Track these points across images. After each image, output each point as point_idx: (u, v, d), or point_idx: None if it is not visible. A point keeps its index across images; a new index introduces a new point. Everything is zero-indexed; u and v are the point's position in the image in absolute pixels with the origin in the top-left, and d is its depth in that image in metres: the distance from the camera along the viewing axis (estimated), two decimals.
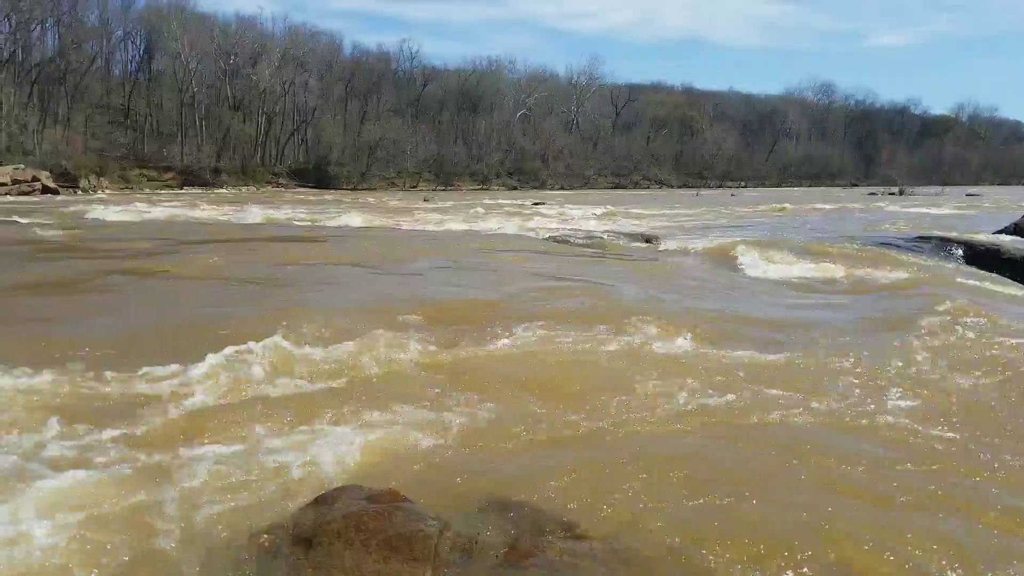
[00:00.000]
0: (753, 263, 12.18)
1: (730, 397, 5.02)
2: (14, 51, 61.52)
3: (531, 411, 4.78)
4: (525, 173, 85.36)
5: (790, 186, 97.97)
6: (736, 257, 12.64)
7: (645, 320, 7.14)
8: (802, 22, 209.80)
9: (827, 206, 38.60)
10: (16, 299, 8.70)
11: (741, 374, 5.58)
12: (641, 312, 7.51)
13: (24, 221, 21.42)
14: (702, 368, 5.72)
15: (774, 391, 5.19)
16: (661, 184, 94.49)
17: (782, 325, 7.53)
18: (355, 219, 24.06)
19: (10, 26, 61.07)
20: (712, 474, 3.84)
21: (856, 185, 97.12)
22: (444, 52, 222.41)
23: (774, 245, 13.80)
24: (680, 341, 6.58)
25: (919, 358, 6.04)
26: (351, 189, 67.50)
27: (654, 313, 7.52)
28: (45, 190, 44.88)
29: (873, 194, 62.46)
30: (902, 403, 4.97)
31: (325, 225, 22.20)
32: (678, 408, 4.86)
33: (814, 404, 4.94)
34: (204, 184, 62.21)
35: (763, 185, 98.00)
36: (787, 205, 38.93)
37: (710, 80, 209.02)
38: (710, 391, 5.14)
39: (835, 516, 3.37)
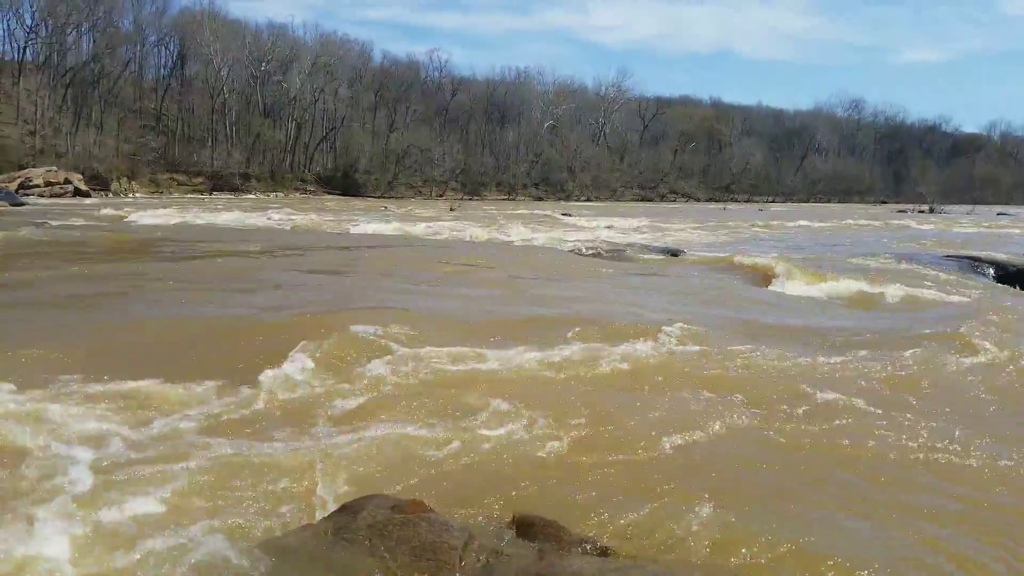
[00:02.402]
0: (782, 279, 12.08)
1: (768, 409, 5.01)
2: (49, 55, 62.79)
3: (560, 425, 4.79)
4: (551, 184, 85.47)
5: (818, 202, 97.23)
6: (765, 272, 12.55)
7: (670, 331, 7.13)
8: (832, 37, 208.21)
9: (859, 222, 38.26)
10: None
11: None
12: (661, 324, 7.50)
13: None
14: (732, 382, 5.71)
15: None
16: (688, 198, 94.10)
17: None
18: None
19: (46, 30, 62.40)
20: (745, 491, 3.84)
21: (885, 202, 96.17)
22: (473, 62, 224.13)
23: (806, 261, 13.70)
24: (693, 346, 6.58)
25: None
26: (378, 197, 67.92)
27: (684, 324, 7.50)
28: (77, 192, 45.66)
29: (903, 212, 61.65)
30: None
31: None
32: (708, 420, 4.85)
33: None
34: (233, 189, 62.96)
35: (791, 200, 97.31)
36: (817, 222, 38.65)
37: (739, 94, 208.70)
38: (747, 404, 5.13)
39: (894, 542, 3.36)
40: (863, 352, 6.91)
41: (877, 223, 39.37)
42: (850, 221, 39.93)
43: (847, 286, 11.67)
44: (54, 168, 47.40)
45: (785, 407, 5.23)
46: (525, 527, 3.44)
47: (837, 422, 4.96)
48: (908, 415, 5.13)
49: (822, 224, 37.39)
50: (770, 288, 11.91)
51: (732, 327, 8.12)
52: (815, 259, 14.64)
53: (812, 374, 6.17)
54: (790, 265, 13.20)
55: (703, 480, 3.97)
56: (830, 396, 5.51)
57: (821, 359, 6.63)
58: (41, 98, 58.45)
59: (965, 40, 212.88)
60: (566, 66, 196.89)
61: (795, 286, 11.92)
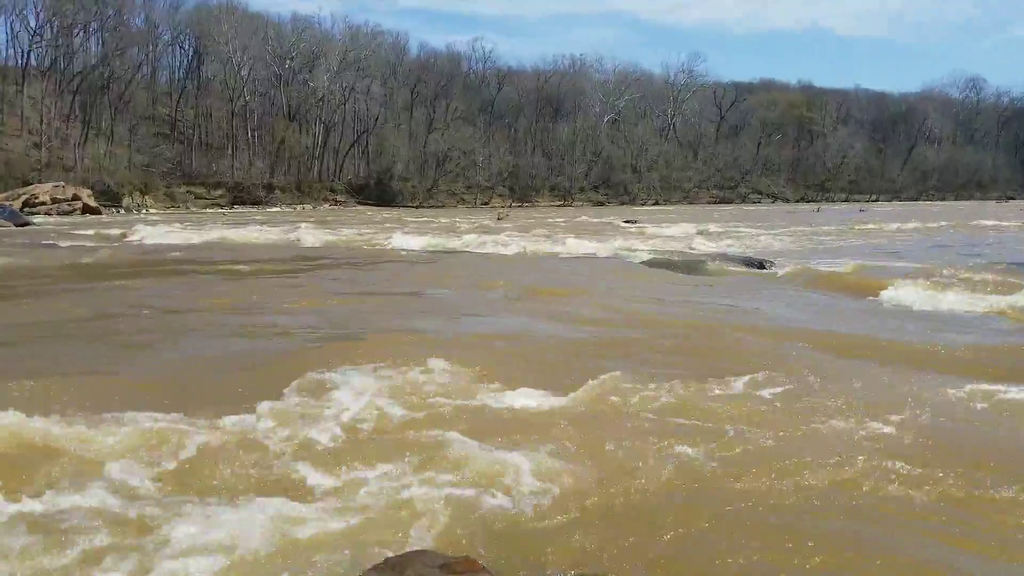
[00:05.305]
0: (898, 293, 11.79)
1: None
2: (55, 59, 65.32)
3: (628, 474, 4.73)
4: (613, 186, 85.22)
5: (930, 199, 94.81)
6: (875, 287, 12.26)
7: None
8: (935, 16, 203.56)
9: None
10: None
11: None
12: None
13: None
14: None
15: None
16: (774, 198, 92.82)
17: None
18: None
19: (51, 32, 64.91)
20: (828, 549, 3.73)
21: (1013, 198, 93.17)
22: (520, 51, 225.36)
23: (922, 272, 13.35)
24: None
25: None
26: (416, 206, 68.65)
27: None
28: (86, 209, 47.28)
29: None
30: None
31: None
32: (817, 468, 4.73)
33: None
34: (256, 202, 64.34)
35: (897, 198, 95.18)
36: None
37: (832, 77, 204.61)
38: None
39: None
40: None
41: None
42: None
43: (972, 300, 11.32)
44: (61, 183, 49.15)
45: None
46: None
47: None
48: None
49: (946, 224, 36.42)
50: (874, 304, 11.59)
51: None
52: (933, 268, 14.24)
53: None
54: (899, 277, 12.87)
55: (797, 537, 3.84)
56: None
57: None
58: (47, 106, 60.76)
59: None
60: (628, 52, 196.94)
61: (907, 300, 11.62)
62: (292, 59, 74.13)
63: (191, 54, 76.94)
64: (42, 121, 60.02)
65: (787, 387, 6.33)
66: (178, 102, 72.64)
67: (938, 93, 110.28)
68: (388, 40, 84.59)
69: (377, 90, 76.52)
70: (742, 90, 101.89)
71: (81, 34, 67.54)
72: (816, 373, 6.81)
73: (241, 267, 16.64)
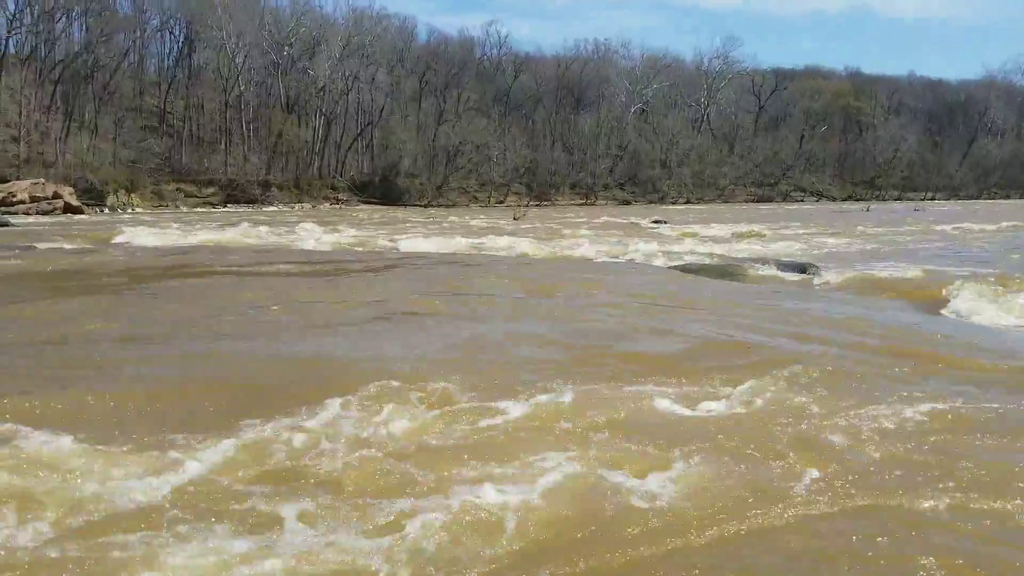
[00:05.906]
0: (968, 306, 11.47)
1: None
2: (35, 46, 65.69)
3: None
4: (640, 183, 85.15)
5: (992, 197, 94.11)
6: (943, 297, 11.95)
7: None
8: None
9: None
10: None
11: None
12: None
13: None
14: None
15: None
16: (819, 196, 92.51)
17: None
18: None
19: (31, 17, 65.31)
20: None
21: None
22: (539, 36, 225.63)
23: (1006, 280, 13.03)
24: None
25: None
26: (424, 205, 68.67)
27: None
28: (67, 208, 47.50)
29: None
30: None
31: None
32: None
33: None
34: (251, 201, 64.56)
35: (956, 196, 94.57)
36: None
37: (883, 63, 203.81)
38: None
39: None
40: None
41: None
42: None
43: None
44: (41, 180, 49.38)
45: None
46: None
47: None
48: None
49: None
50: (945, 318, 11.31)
51: None
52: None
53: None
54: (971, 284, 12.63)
55: None
56: None
57: None
58: (26, 97, 61.02)
59: None
60: (657, 36, 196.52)
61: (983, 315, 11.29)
62: (291, 45, 74.43)
63: (182, 40, 77.36)
64: (21, 113, 60.27)
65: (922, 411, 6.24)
66: (167, 93, 72.89)
67: (1001, 80, 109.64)
68: (395, 24, 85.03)
69: (383, 79, 76.62)
70: (783, 77, 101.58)
71: (63, 19, 67.90)
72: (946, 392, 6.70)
73: (277, 268, 16.89)
